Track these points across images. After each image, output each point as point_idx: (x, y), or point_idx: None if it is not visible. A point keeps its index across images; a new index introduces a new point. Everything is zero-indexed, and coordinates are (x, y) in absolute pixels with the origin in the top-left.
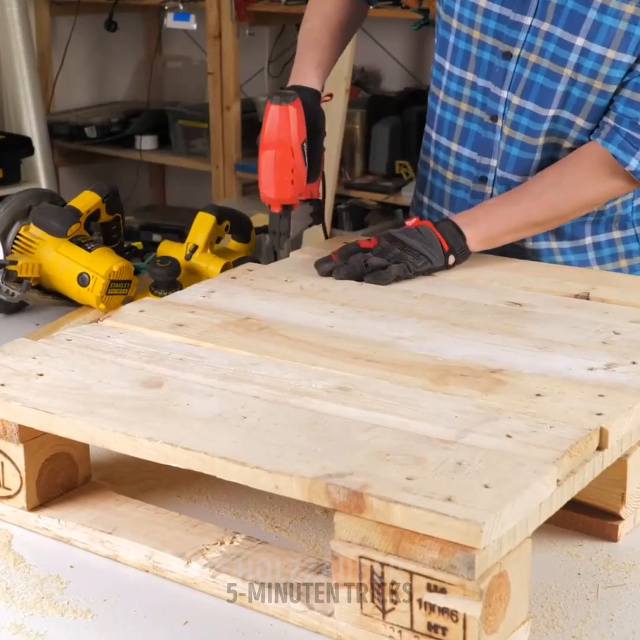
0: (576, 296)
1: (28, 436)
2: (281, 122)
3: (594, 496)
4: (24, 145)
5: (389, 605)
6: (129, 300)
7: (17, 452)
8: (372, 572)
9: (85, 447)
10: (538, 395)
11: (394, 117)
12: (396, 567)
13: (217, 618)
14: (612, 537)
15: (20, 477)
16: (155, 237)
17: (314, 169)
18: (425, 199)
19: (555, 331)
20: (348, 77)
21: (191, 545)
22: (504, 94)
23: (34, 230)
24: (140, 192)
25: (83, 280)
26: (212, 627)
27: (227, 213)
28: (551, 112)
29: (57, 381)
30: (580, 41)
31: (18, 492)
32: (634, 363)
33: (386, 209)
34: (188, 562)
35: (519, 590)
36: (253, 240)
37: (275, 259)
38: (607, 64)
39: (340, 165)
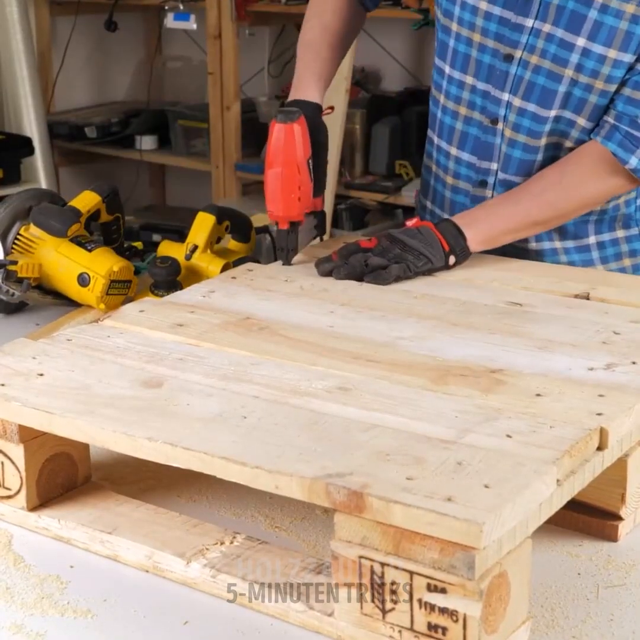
0: (576, 296)
1: (28, 436)
2: (286, 141)
3: (594, 496)
4: (24, 145)
5: (389, 605)
6: (129, 300)
7: (17, 452)
8: (372, 572)
9: (85, 447)
10: (538, 395)
11: (394, 117)
12: (396, 567)
13: (217, 618)
14: (612, 537)
15: (20, 477)
16: (155, 237)
17: (319, 183)
18: (428, 204)
19: (555, 331)
20: (348, 77)
21: (191, 545)
22: (505, 96)
23: (34, 230)
24: (140, 192)
25: (83, 280)
26: (212, 627)
27: (227, 213)
28: (553, 113)
29: (57, 381)
30: (581, 41)
31: (18, 492)
32: (634, 363)
33: (386, 209)
34: (188, 562)
35: (519, 590)
36: (253, 240)
37: (276, 259)
38: (608, 63)
39: (340, 165)
